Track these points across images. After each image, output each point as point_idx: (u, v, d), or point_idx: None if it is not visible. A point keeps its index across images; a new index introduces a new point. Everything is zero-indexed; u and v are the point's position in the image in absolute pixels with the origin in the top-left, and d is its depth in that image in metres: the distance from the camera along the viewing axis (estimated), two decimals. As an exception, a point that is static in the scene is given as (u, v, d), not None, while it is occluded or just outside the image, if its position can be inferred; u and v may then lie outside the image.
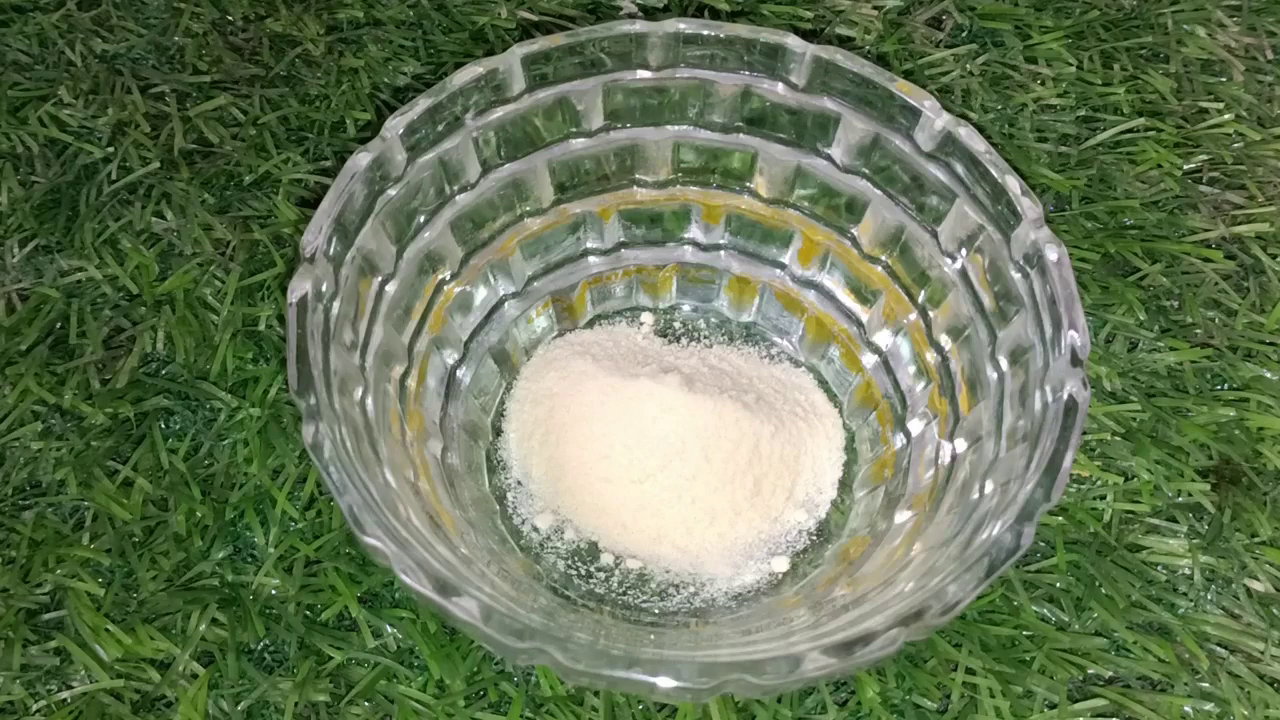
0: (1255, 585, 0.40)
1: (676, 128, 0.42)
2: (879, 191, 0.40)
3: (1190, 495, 0.42)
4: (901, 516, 0.38)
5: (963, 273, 0.38)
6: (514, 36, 0.55)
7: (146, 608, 0.39)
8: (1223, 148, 0.52)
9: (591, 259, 0.45)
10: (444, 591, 0.29)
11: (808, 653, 0.28)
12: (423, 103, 0.37)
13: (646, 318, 0.47)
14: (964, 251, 0.38)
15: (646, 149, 0.42)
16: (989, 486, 0.34)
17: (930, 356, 0.40)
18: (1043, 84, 0.54)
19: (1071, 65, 0.55)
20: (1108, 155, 0.52)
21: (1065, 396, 0.32)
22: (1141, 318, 0.46)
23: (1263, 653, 0.39)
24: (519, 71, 0.39)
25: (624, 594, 0.39)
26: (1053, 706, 0.37)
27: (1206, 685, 0.38)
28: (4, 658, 0.38)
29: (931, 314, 0.40)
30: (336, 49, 0.55)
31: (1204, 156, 0.52)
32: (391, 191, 0.37)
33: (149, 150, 0.51)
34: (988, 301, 0.37)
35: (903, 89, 0.37)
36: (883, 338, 0.42)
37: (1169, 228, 0.49)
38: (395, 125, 0.37)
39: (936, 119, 0.37)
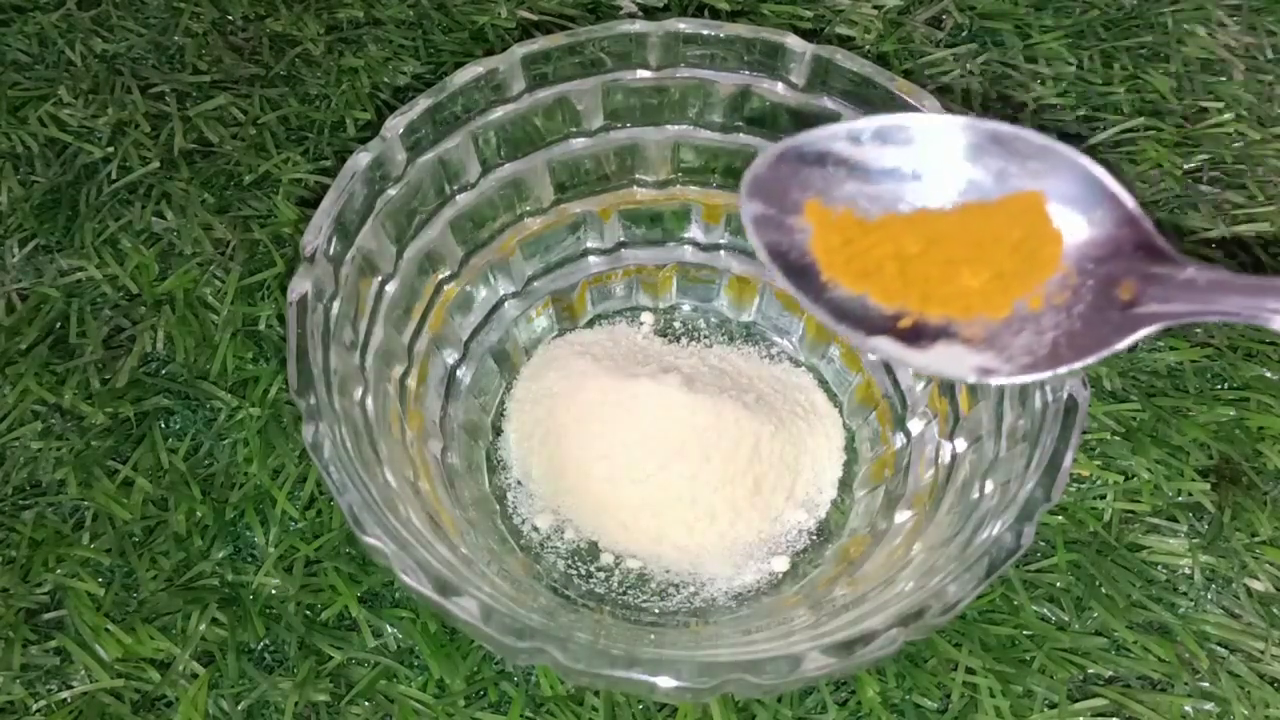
0: (1255, 585, 0.40)
1: (676, 127, 0.42)
2: (879, 191, 0.40)
3: (1190, 495, 0.42)
4: (901, 516, 0.38)
5: (963, 272, 0.38)
6: (514, 36, 0.55)
7: (146, 608, 0.39)
8: (1223, 147, 0.52)
9: (591, 259, 0.45)
10: (444, 591, 0.29)
11: (808, 652, 0.28)
12: (423, 102, 0.37)
13: (646, 317, 0.47)
14: (964, 251, 0.38)
15: (646, 149, 0.42)
16: (989, 486, 0.34)
17: (930, 356, 0.40)
18: (1043, 83, 0.54)
19: (1071, 65, 0.55)
20: (1108, 155, 0.52)
21: (1065, 396, 0.32)
22: (1141, 317, 0.46)
23: (1263, 652, 0.39)
24: (519, 71, 0.39)
25: (624, 594, 0.39)
26: (1053, 706, 0.37)
27: (1206, 685, 0.38)
28: (4, 658, 0.38)
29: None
30: (336, 49, 0.55)
31: (1204, 156, 0.52)
32: (391, 191, 0.37)
33: (149, 150, 0.51)
34: (988, 301, 0.37)
35: (902, 88, 0.37)
36: (883, 337, 0.42)
37: (1169, 227, 0.49)
38: (395, 125, 0.37)
39: (936, 119, 0.37)
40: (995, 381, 0.30)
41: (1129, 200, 0.30)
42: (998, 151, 0.31)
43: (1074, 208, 0.30)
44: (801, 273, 0.31)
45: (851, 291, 0.31)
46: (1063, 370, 0.29)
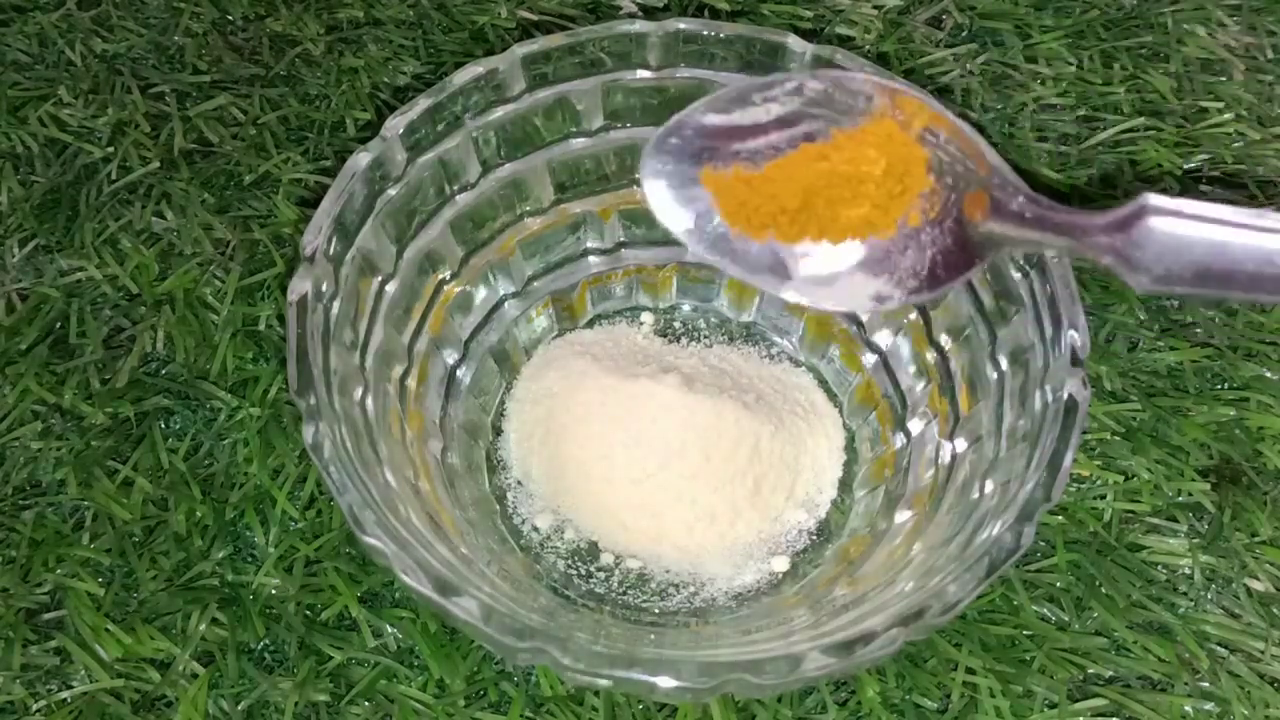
0: (1255, 585, 0.40)
1: (676, 127, 0.42)
2: (878, 191, 0.40)
3: (1190, 495, 0.42)
4: (901, 516, 0.38)
5: (962, 272, 0.38)
6: (514, 36, 0.55)
7: (146, 608, 0.39)
8: (1223, 147, 0.52)
9: (591, 258, 0.45)
10: (444, 591, 0.29)
11: (808, 652, 0.28)
12: (423, 102, 0.37)
13: (646, 317, 0.47)
14: (964, 251, 0.38)
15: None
16: (989, 486, 0.34)
17: (930, 356, 0.40)
18: (1043, 83, 0.54)
19: (1071, 65, 0.55)
20: (1108, 155, 0.52)
21: (1065, 396, 0.32)
22: (1141, 317, 0.46)
23: (1263, 652, 0.39)
24: (519, 71, 0.39)
25: (624, 594, 0.39)
26: (1053, 706, 0.37)
27: (1206, 685, 0.38)
28: (4, 658, 0.38)
29: (931, 313, 0.40)
30: (336, 49, 0.55)
31: (1204, 156, 0.52)
32: (391, 191, 0.37)
33: (149, 150, 0.51)
34: (987, 301, 0.37)
35: (902, 88, 0.37)
36: (882, 337, 0.42)
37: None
38: (395, 125, 0.37)
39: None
40: (888, 307, 0.32)
41: (965, 128, 0.33)
42: (846, 93, 0.33)
43: (924, 133, 0.33)
44: (716, 240, 0.33)
45: (759, 242, 0.33)
46: (941, 291, 0.32)
